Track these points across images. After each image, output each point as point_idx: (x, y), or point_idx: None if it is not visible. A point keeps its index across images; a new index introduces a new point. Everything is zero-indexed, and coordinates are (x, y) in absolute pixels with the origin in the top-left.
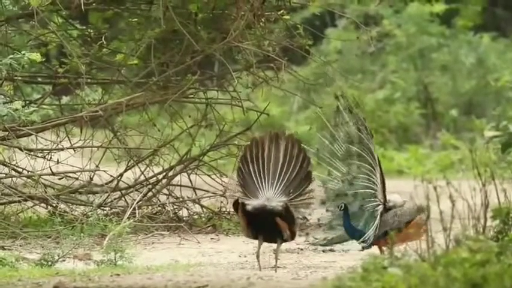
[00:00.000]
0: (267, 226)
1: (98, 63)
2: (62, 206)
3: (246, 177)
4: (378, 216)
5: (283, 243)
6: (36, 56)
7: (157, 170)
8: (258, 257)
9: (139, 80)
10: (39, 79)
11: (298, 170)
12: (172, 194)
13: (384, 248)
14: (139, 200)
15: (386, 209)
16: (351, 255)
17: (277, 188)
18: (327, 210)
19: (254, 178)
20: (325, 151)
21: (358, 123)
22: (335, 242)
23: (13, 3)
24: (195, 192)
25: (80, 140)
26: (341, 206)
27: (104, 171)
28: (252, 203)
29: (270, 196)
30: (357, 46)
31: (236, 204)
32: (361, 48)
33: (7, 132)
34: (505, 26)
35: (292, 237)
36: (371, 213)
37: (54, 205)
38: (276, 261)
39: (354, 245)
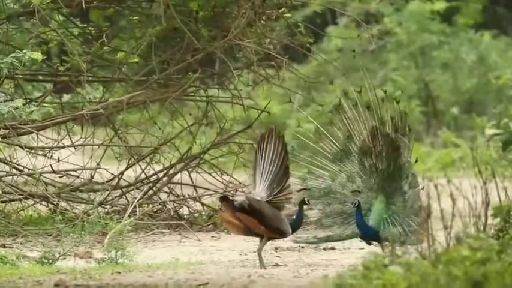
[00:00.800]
0: None
1: (99, 61)
2: (63, 204)
3: (253, 173)
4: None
5: (271, 241)
6: (38, 55)
7: (158, 168)
8: (259, 255)
9: (140, 78)
10: (40, 77)
11: (280, 165)
12: (173, 192)
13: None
14: (140, 198)
15: None
16: (352, 253)
17: (265, 183)
18: (311, 209)
19: (255, 173)
20: (309, 149)
21: (400, 120)
22: (332, 240)
23: (14, 1)
24: (196, 190)
25: (80, 138)
26: (355, 203)
27: (105, 169)
28: (237, 199)
29: (257, 191)
30: (358, 44)
31: (223, 200)
32: (362, 46)
33: (8, 130)
34: (506, 24)
35: (278, 233)
36: (416, 211)
37: (55, 203)
38: (259, 259)
39: (353, 242)
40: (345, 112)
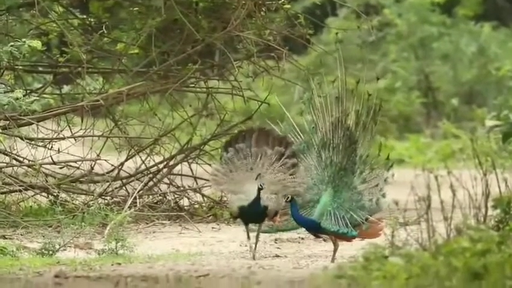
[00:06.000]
0: None
1: (99, 52)
2: (63, 195)
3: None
4: None
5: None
6: (37, 43)
7: (158, 159)
8: None
9: (140, 69)
10: (40, 68)
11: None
12: (173, 183)
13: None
14: (140, 189)
15: None
16: (352, 245)
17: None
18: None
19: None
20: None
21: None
22: (281, 230)
23: None
24: (196, 182)
25: (80, 129)
26: (287, 197)
27: (105, 160)
28: None
29: None
30: (358, 35)
31: None
32: (361, 37)
33: (8, 122)
34: (506, 16)
35: None
36: (362, 206)
37: (55, 194)
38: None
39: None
40: (314, 103)
